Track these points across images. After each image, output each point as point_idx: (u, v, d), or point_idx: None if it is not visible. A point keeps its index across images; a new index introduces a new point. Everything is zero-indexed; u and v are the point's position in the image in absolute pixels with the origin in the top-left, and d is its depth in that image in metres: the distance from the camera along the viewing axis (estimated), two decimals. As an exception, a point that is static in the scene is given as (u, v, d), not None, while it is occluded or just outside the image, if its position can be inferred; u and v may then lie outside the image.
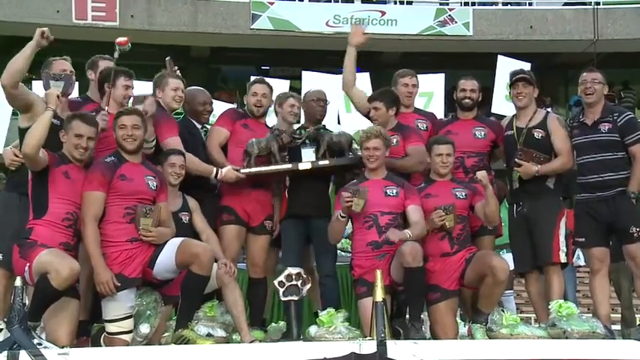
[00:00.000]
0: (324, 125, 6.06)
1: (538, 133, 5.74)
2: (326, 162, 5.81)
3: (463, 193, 5.61)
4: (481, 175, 5.45)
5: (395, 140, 5.78)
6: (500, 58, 10.98)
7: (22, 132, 5.15)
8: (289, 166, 5.79)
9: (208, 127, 6.22)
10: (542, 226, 5.63)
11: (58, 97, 4.93)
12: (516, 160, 5.68)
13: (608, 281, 5.75)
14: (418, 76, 6.37)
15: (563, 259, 5.64)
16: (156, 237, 4.98)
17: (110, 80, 5.36)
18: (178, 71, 6.03)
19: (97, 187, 4.91)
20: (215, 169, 5.64)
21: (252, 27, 17.79)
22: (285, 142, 5.81)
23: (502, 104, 9.77)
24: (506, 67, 11.00)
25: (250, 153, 5.74)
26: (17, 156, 5.24)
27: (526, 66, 11.12)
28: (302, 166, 5.78)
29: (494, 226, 5.93)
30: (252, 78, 6.39)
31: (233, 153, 5.88)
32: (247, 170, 5.69)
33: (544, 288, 5.72)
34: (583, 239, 5.71)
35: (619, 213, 5.56)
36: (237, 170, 5.65)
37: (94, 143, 5.00)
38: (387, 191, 5.50)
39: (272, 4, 17.79)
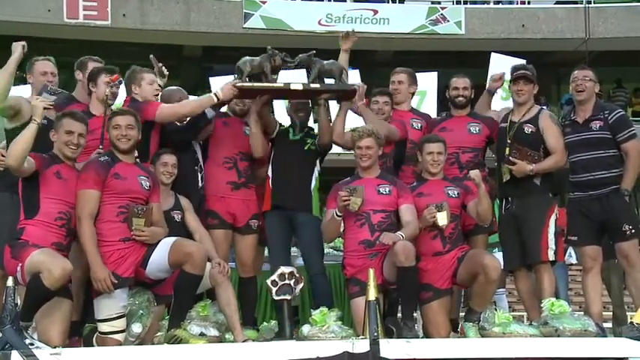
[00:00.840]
0: (314, 52, 6.02)
1: (528, 128, 5.74)
2: (317, 85, 5.85)
3: (455, 192, 5.62)
4: (474, 173, 5.46)
5: None
6: (493, 55, 10.97)
7: (8, 133, 5.15)
8: (281, 85, 5.83)
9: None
10: (530, 224, 5.63)
11: (45, 108, 4.90)
12: (510, 158, 5.68)
13: (601, 279, 5.75)
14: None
15: (551, 257, 5.63)
16: (149, 237, 4.97)
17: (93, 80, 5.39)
18: (164, 68, 6.02)
19: (92, 185, 4.90)
20: (213, 94, 5.61)
21: (244, 26, 17.76)
22: (278, 64, 5.82)
23: (494, 101, 9.76)
24: (499, 64, 10.99)
25: (242, 70, 5.76)
26: (4, 156, 5.21)
27: (520, 63, 11.10)
28: (294, 86, 5.84)
29: (489, 224, 5.95)
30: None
31: (214, 151, 5.87)
32: (240, 84, 5.70)
33: (534, 285, 5.73)
34: (575, 238, 5.71)
35: (612, 211, 5.56)
36: (233, 85, 5.65)
37: (84, 140, 4.98)
38: (380, 189, 5.51)
39: (264, 2, 17.77)
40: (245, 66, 5.73)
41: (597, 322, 5.26)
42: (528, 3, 19.25)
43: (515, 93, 5.86)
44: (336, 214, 5.42)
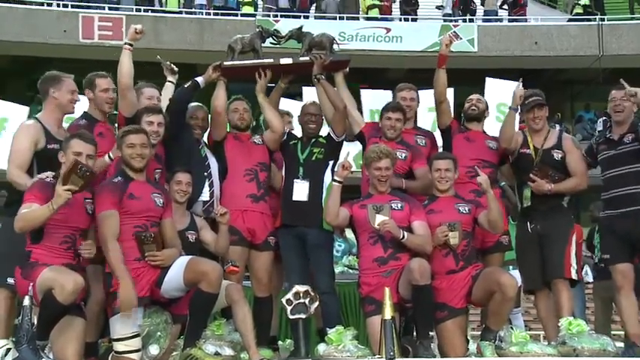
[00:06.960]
0: (301, 26, 6.09)
1: (557, 154, 5.73)
2: (306, 58, 5.87)
3: (466, 208, 5.59)
4: (481, 179, 5.44)
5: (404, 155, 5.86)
6: (488, 80, 10.95)
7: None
8: (271, 60, 5.85)
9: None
10: (554, 244, 5.60)
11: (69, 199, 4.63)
12: (531, 175, 5.66)
13: (635, 298, 5.68)
14: (425, 92, 6.37)
15: (574, 275, 5.61)
16: (163, 260, 4.96)
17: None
18: (173, 65, 6.13)
19: (110, 206, 4.88)
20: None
21: (257, 45, 17.86)
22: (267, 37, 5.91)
23: (492, 125, 9.72)
24: (494, 88, 10.96)
25: (234, 49, 5.82)
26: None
27: (515, 83, 11.06)
28: (283, 61, 5.87)
29: (508, 242, 5.92)
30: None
31: (233, 166, 5.85)
32: (230, 63, 5.78)
33: (553, 305, 5.67)
34: (608, 256, 5.67)
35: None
36: (219, 65, 5.78)
37: (93, 162, 4.89)
38: (392, 205, 5.49)
39: (277, 21, 17.87)
40: (236, 44, 5.83)
41: (635, 341, 5.21)
42: (541, 20, 19.27)
43: (531, 121, 5.84)
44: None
